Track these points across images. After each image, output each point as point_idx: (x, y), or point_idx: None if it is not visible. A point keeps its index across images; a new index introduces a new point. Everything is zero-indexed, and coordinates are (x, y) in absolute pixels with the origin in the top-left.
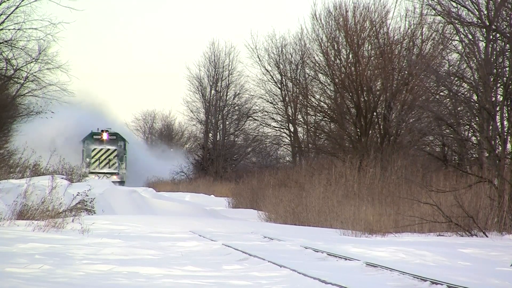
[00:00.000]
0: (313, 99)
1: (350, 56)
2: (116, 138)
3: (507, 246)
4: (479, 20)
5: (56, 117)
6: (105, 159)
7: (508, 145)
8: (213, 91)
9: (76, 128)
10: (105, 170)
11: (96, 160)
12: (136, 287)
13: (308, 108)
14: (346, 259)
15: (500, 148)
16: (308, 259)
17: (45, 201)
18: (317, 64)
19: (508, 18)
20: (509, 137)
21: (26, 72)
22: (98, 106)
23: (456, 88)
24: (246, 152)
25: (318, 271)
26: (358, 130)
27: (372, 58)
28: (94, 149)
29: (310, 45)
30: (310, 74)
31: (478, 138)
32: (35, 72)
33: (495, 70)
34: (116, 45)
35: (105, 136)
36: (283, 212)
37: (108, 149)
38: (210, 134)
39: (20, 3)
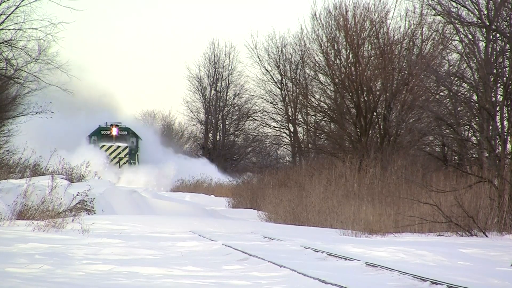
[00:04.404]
0: (313, 99)
1: (350, 56)
2: (127, 134)
3: (507, 246)
4: (479, 20)
5: (58, 114)
6: (115, 157)
7: (508, 145)
8: (213, 91)
9: (81, 123)
10: None
11: None
12: (136, 287)
13: (308, 108)
14: (346, 259)
15: (500, 148)
16: (308, 259)
17: (45, 201)
18: (317, 64)
19: (508, 18)
20: (509, 137)
21: (26, 72)
22: (105, 99)
23: (456, 88)
24: (246, 152)
25: (318, 271)
26: (358, 130)
27: (372, 58)
28: (103, 146)
29: (310, 45)
30: (310, 74)
31: (478, 138)
32: (35, 72)
33: (495, 70)
34: (115, 45)
35: (114, 131)
36: (283, 212)
37: (119, 146)
38: (210, 134)
39: (20, 3)
